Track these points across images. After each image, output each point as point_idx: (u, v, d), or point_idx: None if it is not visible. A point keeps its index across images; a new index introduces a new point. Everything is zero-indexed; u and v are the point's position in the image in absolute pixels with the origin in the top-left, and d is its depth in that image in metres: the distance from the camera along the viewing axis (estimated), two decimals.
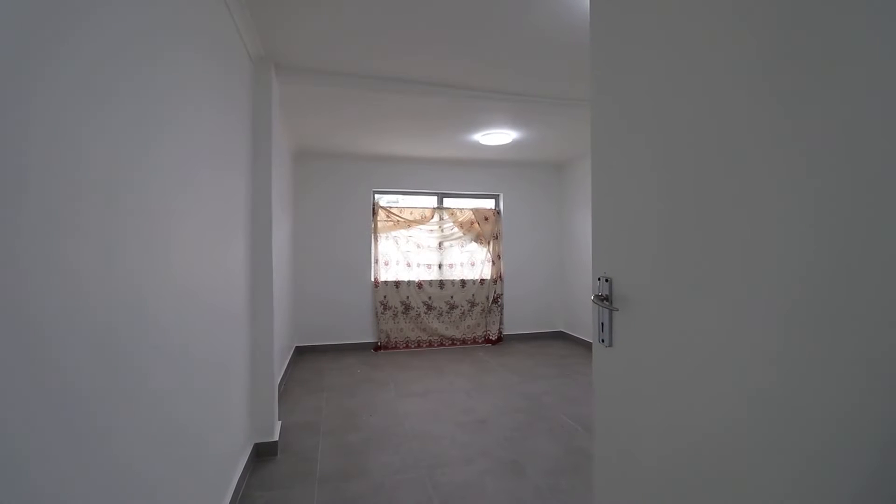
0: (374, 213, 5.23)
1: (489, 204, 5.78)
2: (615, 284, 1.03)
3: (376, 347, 5.13)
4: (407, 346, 5.22)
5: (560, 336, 5.82)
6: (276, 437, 2.60)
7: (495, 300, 5.56)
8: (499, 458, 2.57)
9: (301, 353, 4.91)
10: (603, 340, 1.08)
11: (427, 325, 5.29)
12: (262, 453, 2.54)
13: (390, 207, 5.32)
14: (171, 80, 1.36)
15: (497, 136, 4.08)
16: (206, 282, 1.73)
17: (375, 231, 5.21)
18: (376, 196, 5.35)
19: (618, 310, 0.99)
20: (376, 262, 5.20)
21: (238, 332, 2.23)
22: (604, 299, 1.03)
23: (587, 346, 5.25)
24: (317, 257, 5.05)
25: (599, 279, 1.09)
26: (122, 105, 1.06)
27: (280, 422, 2.86)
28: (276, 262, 3.11)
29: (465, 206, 5.61)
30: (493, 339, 5.49)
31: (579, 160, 5.38)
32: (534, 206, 5.80)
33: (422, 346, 5.27)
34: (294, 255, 4.89)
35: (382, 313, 5.18)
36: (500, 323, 5.59)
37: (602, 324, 1.05)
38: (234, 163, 2.16)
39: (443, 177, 5.47)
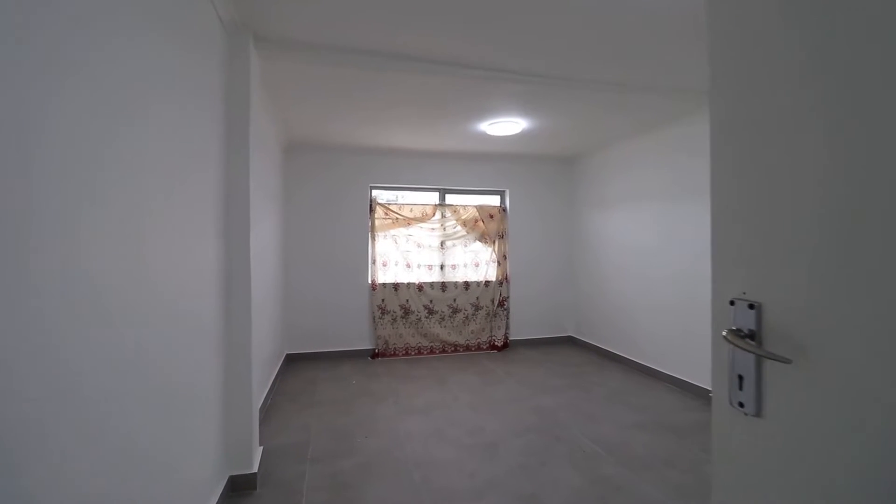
0: (372, 210, 4.86)
1: (494, 201, 5.42)
2: (767, 313, 0.65)
3: (374, 355, 4.77)
4: (406, 354, 4.86)
5: (569, 342, 5.47)
6: (254, 468, 2.24)
7: (501, 303, 5.20)
8: (513, 491, 2.21)
9: (292, 361, 4.55)
10: (742, 404, 0.70)
11: (428, 331, 4.93)
12: (239, 487, 2.18)
13: (389, 204, 4.95)
14: (110, 51, 1.01)
15: (505, 126, 3.72)
16: (164, 287, 1.38)
17: (373, 229, 4.85)
18: (374, 192, 4.99)
19: (789, 361, 0.62)
20: (374, 262, 4.84)
21: (207, 344, 1.87)
22: (746, 336, 0.66)
23: (598, 351, 4.90)
24: (310, 258, 4.69)
25: (734, 303, 0.70)
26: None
27: (262, 447, 2.51)
28: (259, 264, 2.76)
29: (469, 202, 5.25)
30: (499, 345, 5.13)
31: (593, 153, 5.02)
32: (542, 203, 5.44)
33: (422, 353, 4.91)
34: (285, 256, 4.53)
35: (380, 318, 4.82)
36: (507, 328, 5.23)
37: (741, 377, 0.68)
38: (201, 151, 1.79)
39: (445, 171, 5.11)
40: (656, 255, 4.03)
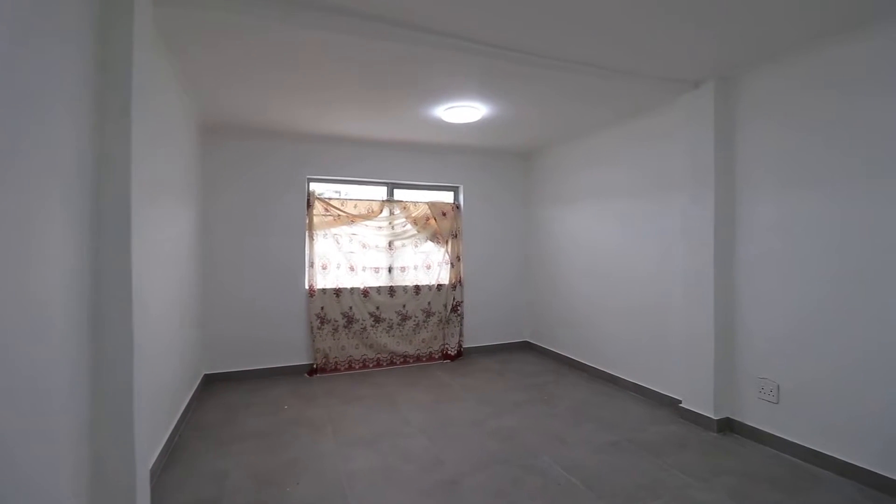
0: (310, 206, 4.26)
1: (448, 197, 5.00)
2: None
3: (311, 371, 4.18)
4: (350, 368, 4.31)
5: (526, 347, 5.18)
6: None
7: (454, 308, 4.79)
8: None
9: (211, 383, 3.85)
10: None
11: (374, 341, 4.42)
12: None
13: (330, 199, 4.37)
14: None
15: (463, 112, 3.31)
16: None
17: (311, 227, 4.25)
18: (312, 185, 4.38)
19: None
20: (312, 265, 4.25)
21: (50, 392, 1.28)
22: None
23: (556, 358, 4.64)
24: (235, 260, 4.01)
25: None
26: None
27: None
28: (159, 268, 2.15)
29: (421, 198, 4.79)
30: (453, 353, 4.72)
31: (552, 148, 4.75)
32: (498, 200, 5.10)
33: (368, 367, 4.38)
34: (203, 259, 3.82)
35: (319, 328, 4.23)
36: (460, 335, 4.84)
37: None
38: (42, 99, 1.20)
39: (394, 164, 4.62)
40: (621, 255, 3.80)
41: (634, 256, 3.66)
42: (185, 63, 2.58)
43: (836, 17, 2.10)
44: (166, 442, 2.57)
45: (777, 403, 2.59)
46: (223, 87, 2.94)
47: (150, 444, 2.20)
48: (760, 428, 2.68)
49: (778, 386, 2.59)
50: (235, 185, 4.02)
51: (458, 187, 4.97)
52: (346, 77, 2.76)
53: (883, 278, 2.14)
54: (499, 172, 5.09)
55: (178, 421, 2.89)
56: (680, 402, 3.14)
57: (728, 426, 2.85)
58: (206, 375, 3.84)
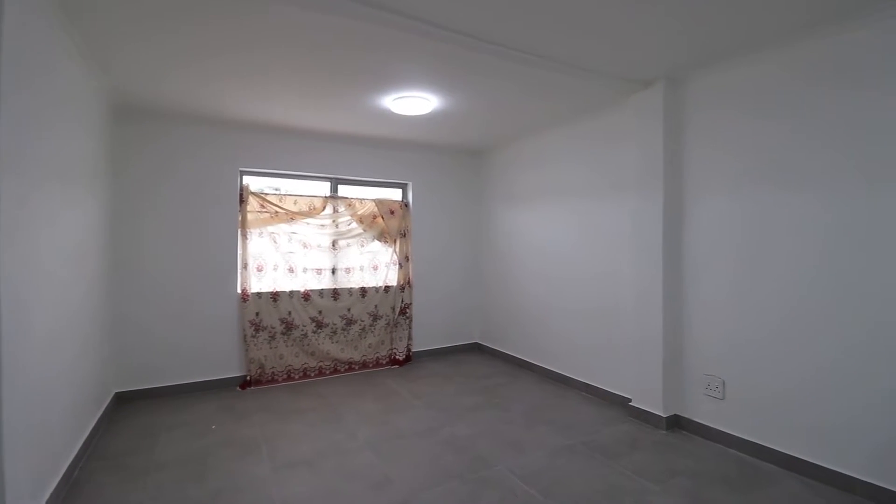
0: (243, 201, 3.87)
1: (396, 195, 4.78)
2: None
3: (244, 383, 3.79)
4: (289, 378, 3.97)
5: (476, 349, 5.07)
6: None
7: (403, 311, 4.58)
8: None
9: (124, 403, 3.36)
10: None
11: (316, 348, 4.10)
12: None
13: (266, 194, 4.00)
14: None
15: (414, 103, 3.11)
16: None
17: (244, 225, 3.86)
18: (246, 178, 3.99)
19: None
20: (245, 266, 3.85)
21: None
22: None
23: (506, 359, 4.58)
24: (152, 261, 3.53)
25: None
26: None
27: None
28: (43, 273, 1.78)
29: (367, 195, 4.54)
30: (401, 358, 4.51)
31: (503, 146, 4.67)
32: (448, 198, 4.95)
33: (309, 377, 4.06)
34: (113, 260, 3.33)
35: (254, 336, 3.85)
36: (409, 339, 4.63)
37: None
38: None
39: (339, 158, 4.33)
40: (572, 255, 3.79)
41: (585, 256, 3.65)
42: (91, 35, 2.18)
43: (776, 24, 2.14)
44: (63, 476, 2.17)
45: (723, 399, 2.64)
46: (139, 64, 2.54)
47: (36, 481, 1.82)
48: (707, 424, 2.72)
49: (723, 382, 2.64)
50: (156, 177, 3.54)
51: (406, 184, 4.77)
52: (285, 58, 2.47)
53: (822, 276, 2.22)
54: (449, 170, 4.95)
55: (80, 450, 2.45)
56: (630, 400, 3.15)
57: (676, 423, 2.89)
58: (117, 394, 3.35)
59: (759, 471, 2.35)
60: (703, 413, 2.76)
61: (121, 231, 3.40)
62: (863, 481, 2.07)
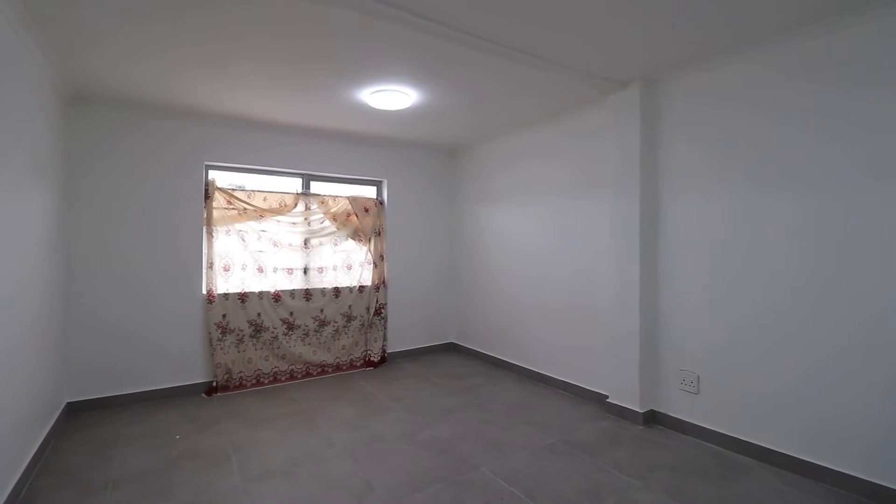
0: (209, 198, 3.66)
1: (370, 192, 4.66)
2: None
3: (210, 390, 3.59)
4: (258, 383, 3.79)
5: (452, 349, 5.03)
6: None
7: (378, 311, 4.48)
8: None
9: (77, 414, 3.11)
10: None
11: (288, 351, 3.94)
12: None
13: (234, 190, 3.81)
14: None
15: (392, 97, 3.03)
16: None
17: (210, 223, 3.66)
18: (212, 173, 3.78)
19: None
20: (211, 266, 3.65)
21: None
22: None
23: (483, 359, 4.56)
24: (111, 261, 3.29)
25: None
26: None
27: None
28: None
29: (340, 192, 4.40)
30: (376, 360, 4.40)
31: (479, 144, 4.65)
32: (424, 196, 4.88)
33: (280, 381, 3.89)
34: (66, 259, 3.07)
35: (220, 339, 3.65)
36: (384, 339, 4.53)
37: None
38: None
39: (312, 153, 4.17)
40: (548, 254, 3.80)
41: (562, 255, 3.67)
42: (44, 22, 1.98)
43: (752, 26, 2.20)
44: (10, 494, 1.97)
45: (697, 394, 2.70)
46: (91, 48, 2.34)
47: None
48: (683, 418, 2.78)
49: (698, 377, 2.70)
50: (113, 171, 3.30)
51: (382, 182, 4.66)
52: (254, 46, 2.34)
53: (797, 274, 2.29)
54: (426, 168, 4.88)
55: (29, 465, 2.24)
56: (607, 397, 3.18)
57: (653, 418, 2.93)
58: (69, 404, 3.09)
59: (735, 463, 2.41)
60: (678, 408, 2.81)
61: (78, 228, 3.15)
62: (832, 469, 2.15)
